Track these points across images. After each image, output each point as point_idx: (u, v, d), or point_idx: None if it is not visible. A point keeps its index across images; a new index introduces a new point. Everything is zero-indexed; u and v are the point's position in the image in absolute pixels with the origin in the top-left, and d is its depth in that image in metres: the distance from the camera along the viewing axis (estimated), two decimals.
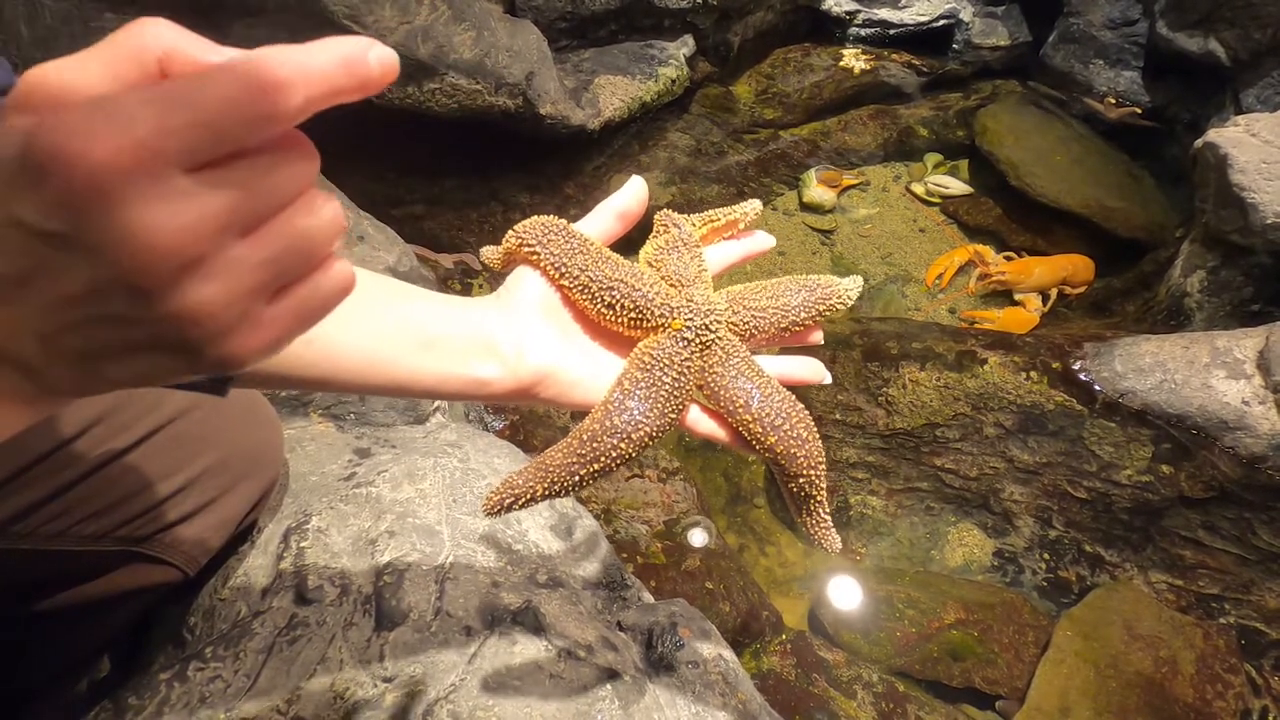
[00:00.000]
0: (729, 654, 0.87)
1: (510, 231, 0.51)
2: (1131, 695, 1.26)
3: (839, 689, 1.24)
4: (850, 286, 0.53)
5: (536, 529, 0.92)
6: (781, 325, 0.51)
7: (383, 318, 0.47)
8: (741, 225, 0.54)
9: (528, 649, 0.73)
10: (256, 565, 0.81)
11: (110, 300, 0.26)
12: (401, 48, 1.65)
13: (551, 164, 2.05)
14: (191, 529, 0.71)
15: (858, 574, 1.42)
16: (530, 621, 0.76)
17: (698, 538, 1.34)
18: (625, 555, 1.27)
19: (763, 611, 1.30)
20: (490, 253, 0.53)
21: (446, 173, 1.99)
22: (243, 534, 0.82)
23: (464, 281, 1.89)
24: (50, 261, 0.25)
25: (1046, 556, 1.46)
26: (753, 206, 0.54)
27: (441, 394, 0.49)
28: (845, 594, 1.39)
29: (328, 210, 0.29)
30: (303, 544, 0.80)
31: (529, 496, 0.47)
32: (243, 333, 0.28)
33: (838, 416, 1.55)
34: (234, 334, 0.28)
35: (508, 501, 0.47)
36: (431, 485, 0.89)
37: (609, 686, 0.73)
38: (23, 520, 0.60)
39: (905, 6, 2.61)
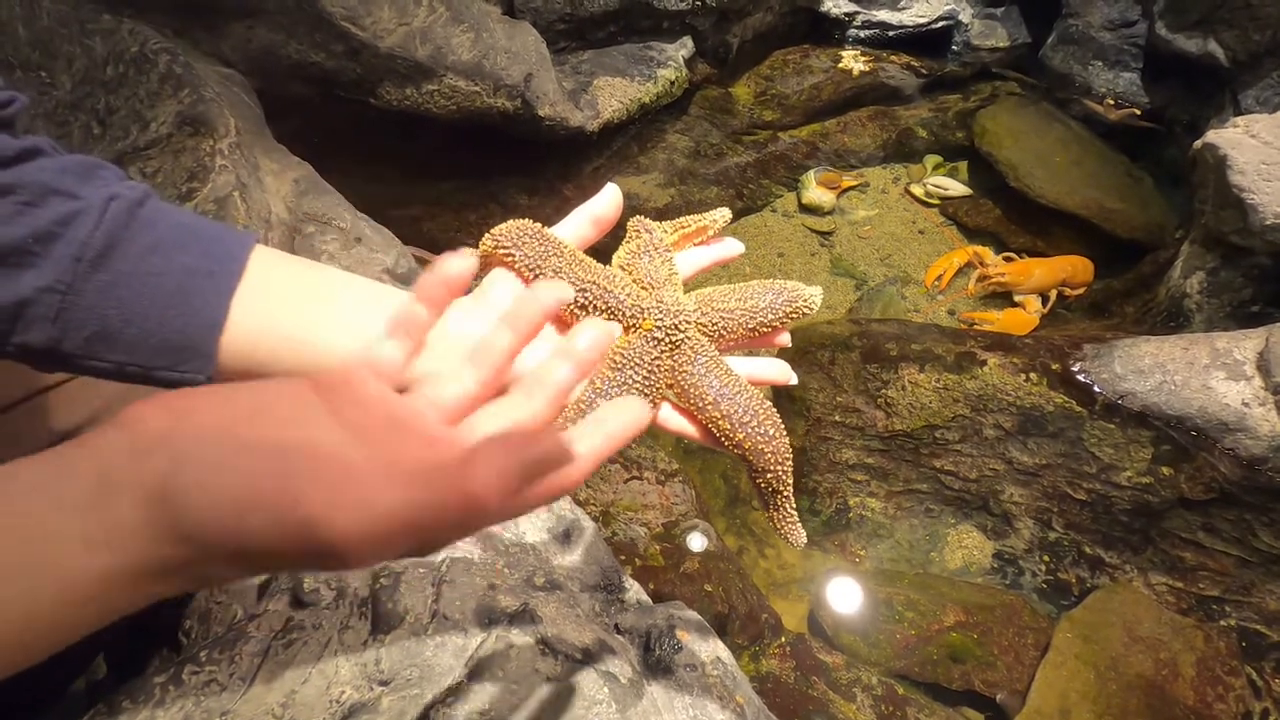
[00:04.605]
0: (727, 656, 0.86)
1: (486, 235, 0.52)
2: (1132, 697, 1.26)
3: (838, 692, 1.24)
4: (814, 293, 0.55)
5: (534, 531, 0.92)
6: (749, 327, 0.53)
7: (373, 321, 0.48)
8: (711, 232, 0.56)
9: (524, 652, 0.73)
10: None
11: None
12: (399, 49, 1.65)
13: (550, 166, 2.04)
14: None
15: (857, 576, 1.42)
16: (527, 624, 0.75)
17: (696, 540, 1.34)
18: (623, 557, 1.27)
19: (762, 614, 1.30)
20: (466, 252, 0.54)
21: (445, 174, 1.99)
22: None
23: None
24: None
25: (1046, 558, 1.46)
26: (721, 214, 0.56)
27: None
28: (844, 596, 1.38)
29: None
30: None
31: None
32: None
33: (837, 418, 1.54)
34: None
35: None
36: None
37: (606, 689, 0.73)
38: None
39: (904, 8, 2.61)
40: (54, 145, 0.46)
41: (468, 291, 0.49)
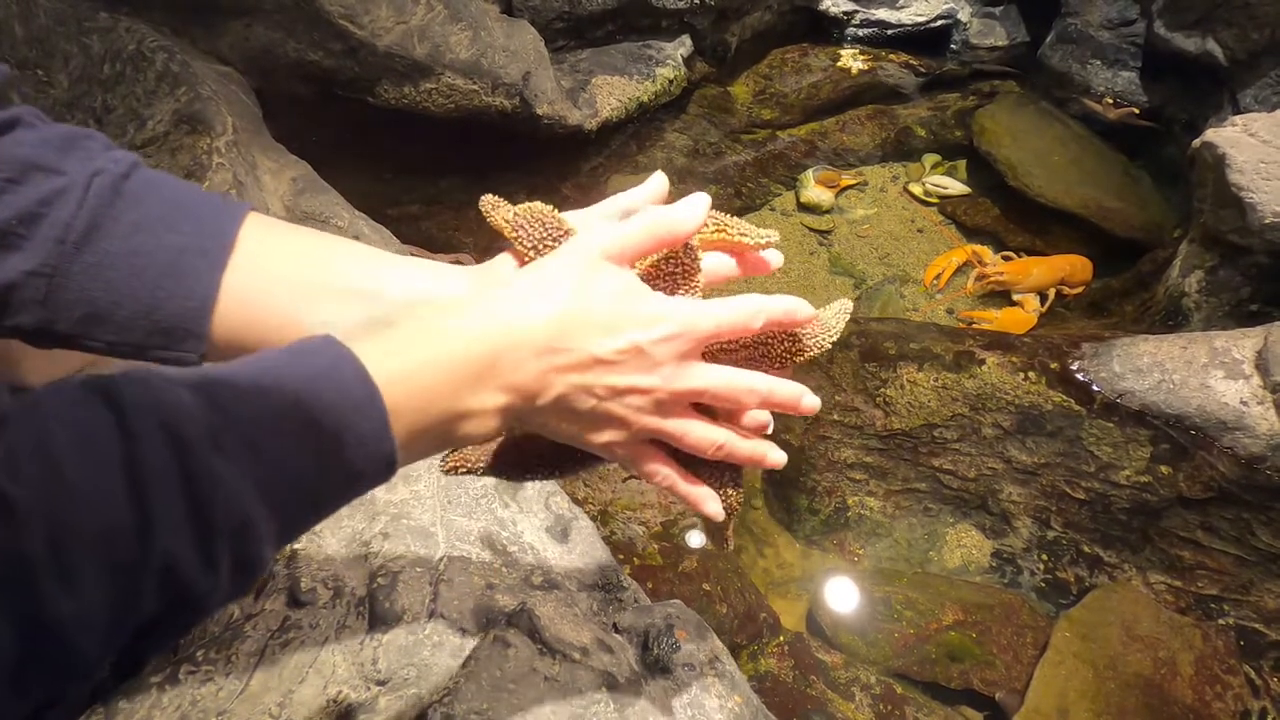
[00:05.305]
0: (725, 656, 0.86)
1: (514, 214, 0.50)
2: (1130, 696, 1.26)
3: (837, 691, 1.24)
4: (829, 338, 0.54)
5: (532, 530, 0.91)
6: (760, 367, 0.53)
7: (375, 305, 0.48)
8: (752, 252, 0.54)
9: (522, 651, 0.73)
10: None
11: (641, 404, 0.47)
12: (397, 47, 1.65)
13: (548, 164, 2.04)
14: None
15: (856, 575, 1.42)
16: (525, 624, 0.75)
17: (695, 539, 1.34)
18: (622, 557, 1.27)
19: (760, 613, 1.30)
20: (490, 203, 0.52)
21: (443, 173, 1.99)
22: None
23: None
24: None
25: (1045, 557, 1.46)
26: (770, 236, 0.53)
27: None
28: (843, 595, 1.38)
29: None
30: (296, 545, 0.80)
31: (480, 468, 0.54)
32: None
33: (835, 417, 1.54)
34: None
35: (463, 470, 0.53)
36: (426, 487, 0.89)
37: (604, 689, 0.73)
38: None
39: (903, 7, 2.61)
40: (36, 114, 0.45)
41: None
